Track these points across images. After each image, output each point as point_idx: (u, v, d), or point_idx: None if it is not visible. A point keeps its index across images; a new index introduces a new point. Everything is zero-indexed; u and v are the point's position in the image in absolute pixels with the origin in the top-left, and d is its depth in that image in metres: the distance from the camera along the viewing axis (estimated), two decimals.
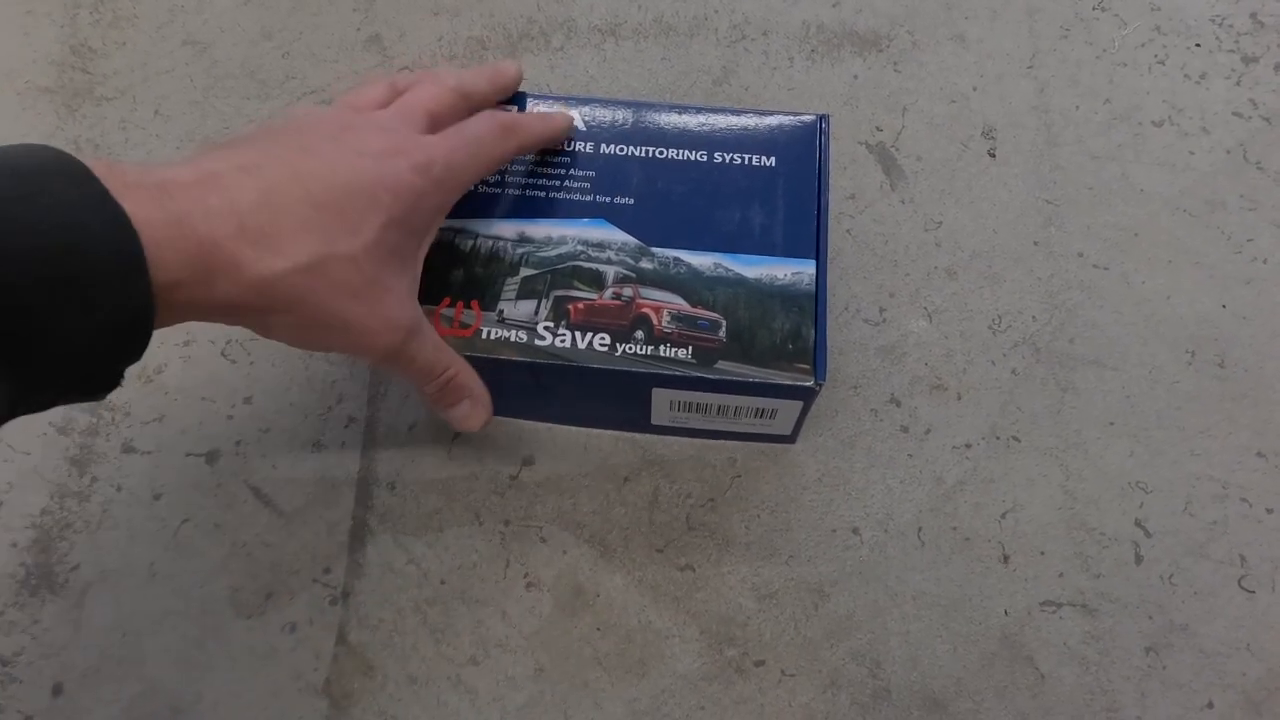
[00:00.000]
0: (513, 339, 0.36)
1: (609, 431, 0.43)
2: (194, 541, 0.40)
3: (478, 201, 0.39)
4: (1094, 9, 0.52)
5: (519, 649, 0.39)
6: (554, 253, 0.38)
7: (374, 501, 0.42)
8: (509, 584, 0.40)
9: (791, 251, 0.38)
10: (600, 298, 0.37)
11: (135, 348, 0.26)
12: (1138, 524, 0.41)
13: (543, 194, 0.40)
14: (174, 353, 0.44)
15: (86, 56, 0.52)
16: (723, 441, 0.43)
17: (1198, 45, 0.51)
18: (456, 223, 0.38)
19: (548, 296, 0.37)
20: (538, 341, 0.36)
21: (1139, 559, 0.40)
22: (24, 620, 0.39)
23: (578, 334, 0.36)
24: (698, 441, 0.43)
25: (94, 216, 0.24)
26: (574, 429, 0.43)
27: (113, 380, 0.26)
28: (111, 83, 0.51)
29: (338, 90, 0.52)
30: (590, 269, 0.38)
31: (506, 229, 0.39)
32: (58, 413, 0.43)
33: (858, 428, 0.43)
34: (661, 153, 0.40)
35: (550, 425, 0.43)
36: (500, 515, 0.41)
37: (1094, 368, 0.44)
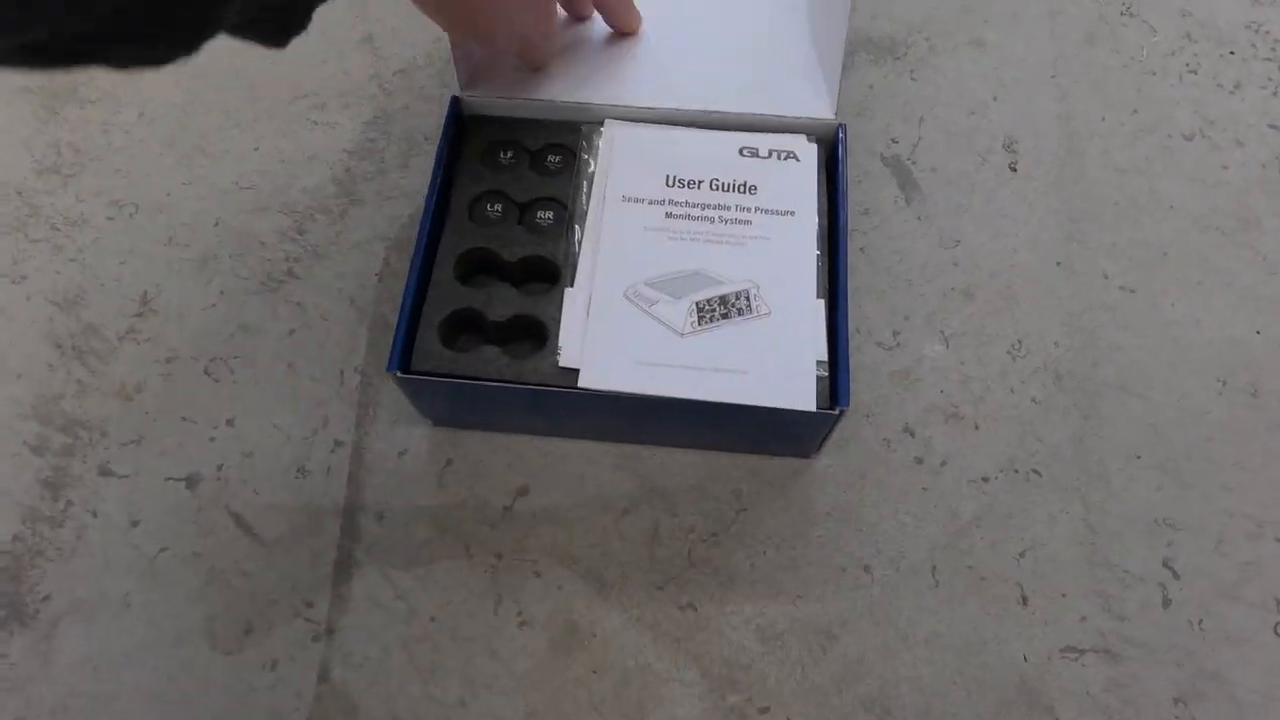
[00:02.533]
0: None
1: (608, 459, 0.41)
2: (172, 571, 0.39)
3: None
4: (1121, 14, 0.49)
5: (510, 690, 0.37)
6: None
7: (361, 531, 0.40)
8: (501, 621, 0.38)
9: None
10: None
11: None
12: (1165, 564, 0.38)
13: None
14: (154, 369, 0.42)
15: None
16: (728, 471, 0.41)
17: (1231, 53, 0.48)
18: None
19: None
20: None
21: (1167, 601, 0.38)
22: None
23: None
24: (701, 471, 0.41)
25: None
26: (571, 455, 0.41)
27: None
28: (95, 84, 0.49)
29: (329, 93, 0.50)
30: None
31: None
32: (31, 430, 0.41)
33: (870, 458, 0.41)
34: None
35: (546, 453, 0.41)
36: (492, 548, 0.39)
37: (1119, 395, 0.42)
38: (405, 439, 0.41)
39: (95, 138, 0.48)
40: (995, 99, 0.48)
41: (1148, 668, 0.37)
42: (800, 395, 0.34)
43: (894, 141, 0.48)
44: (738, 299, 0.36)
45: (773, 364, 0.35)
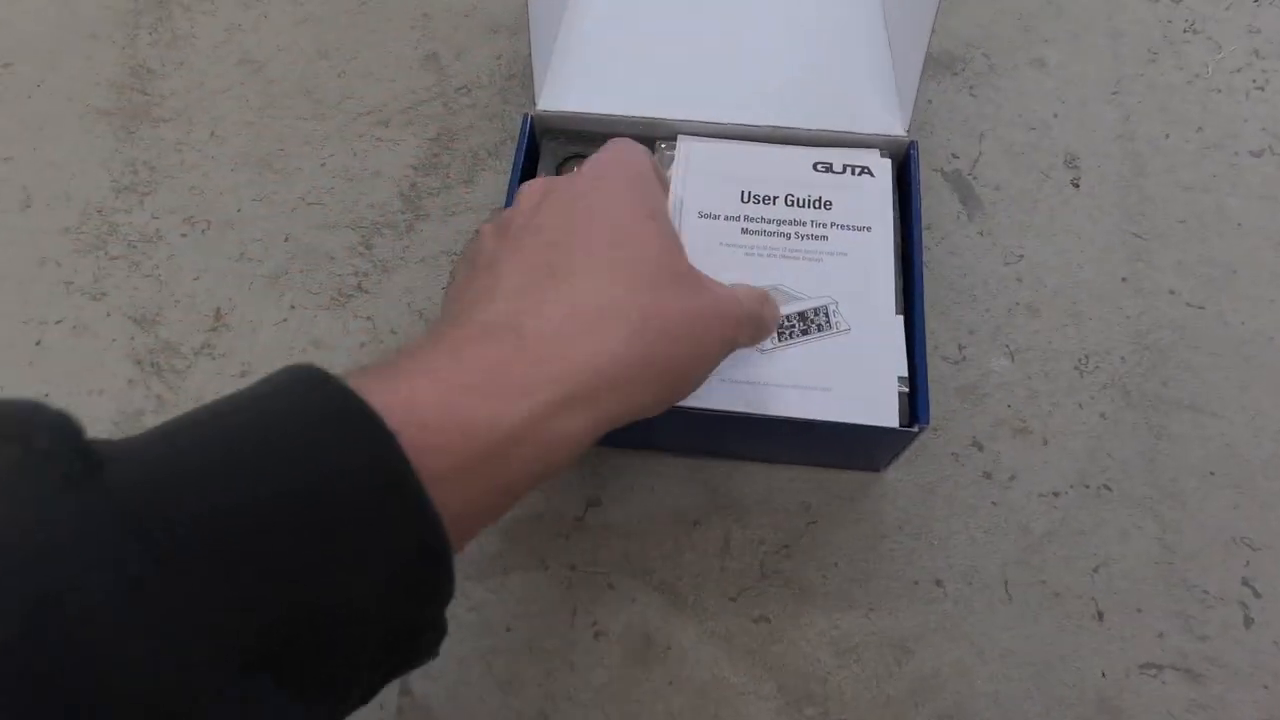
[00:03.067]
0: None
1: (676, 471, 0.41)
2: None
3: None
4: (1185, 31, 0.49)
5: (588, 703, 0.37)
6: None
7: None
8: (576, 633, 0.38)
9: None
10: None
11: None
12: (1245, 583, 0.38)
13: None
14: (229, 384, 0.43)
15: (145, 78, 0.51)
16: (795, 484, 0.41)
17: None
18: None
19: None
20: None
21: (1249, 621, 0.38)
22: None
23: None
24: (769, 483, 0.41)
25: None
26: (641, 467, 0.41)
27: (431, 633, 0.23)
28: (168, 104, 0.50)
29: (394, 111, 0.51)
30: None
31: None
32: None
33: (939, 472, 0.41)
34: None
35: (615, 465, 0.41)
36: (566, 559, 0.40)
37: (1190, 413, 0.42)
38: None
39: (169, 156, 0.49)
40: (1056, 116, 0.49)
41: (1232, 689, 0.37)
42: (883, 412, 0.35)
43: (954, 157, 0.49)
44: (816, 315, 0.37)
45: (854, 380, 0.35)
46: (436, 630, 0.23)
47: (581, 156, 0.43)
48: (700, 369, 0.29)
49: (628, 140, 0.32)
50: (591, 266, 0.26)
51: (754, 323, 0.31)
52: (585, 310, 0.25)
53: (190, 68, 0.51)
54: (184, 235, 0.47)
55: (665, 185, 0.33)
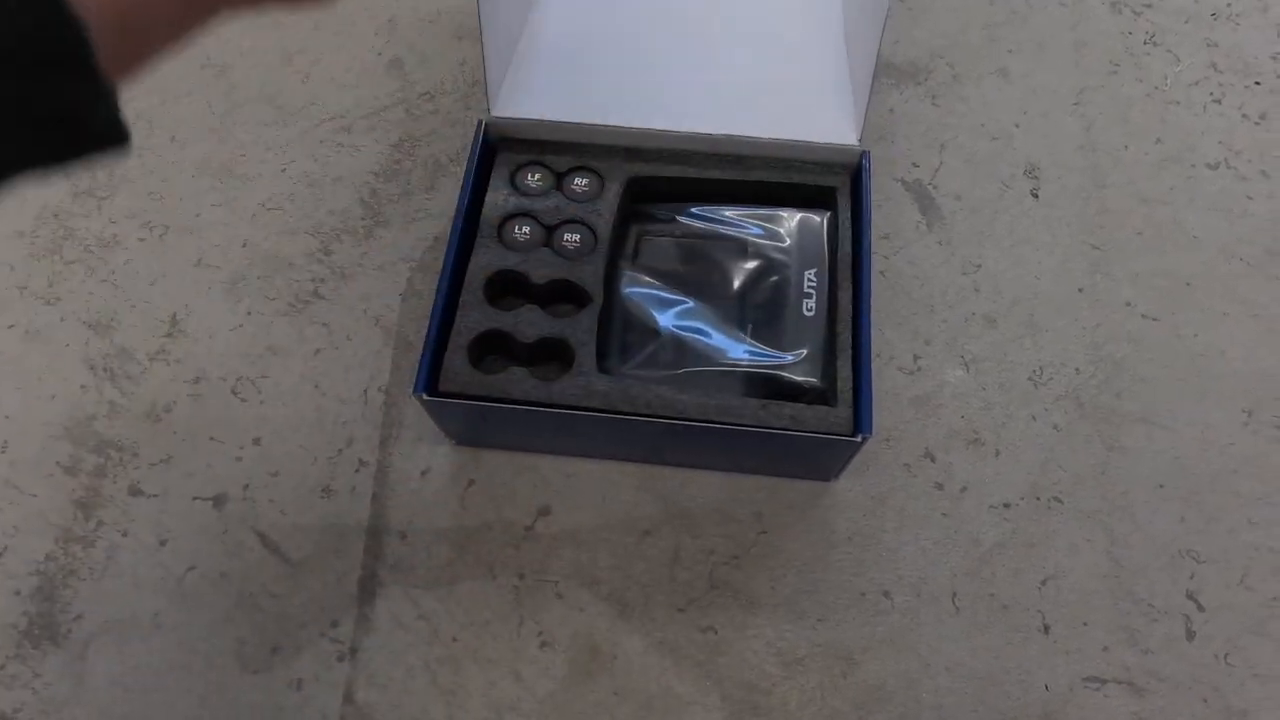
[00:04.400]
0: None
1: (629, 480, 0.41)
2: (200, 590, 0.39)
3: None
4: (1145, 44, 0.49)
5: (532, 714, 0.37)
6: None
7: (384, 551, 0.40)
8: (522, 643, 0.38)
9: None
10: None
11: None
12: (1189, 596, 0.38)
13: None
14: (183, 390, 0.43)
15: None
16: (748, 493, 0.41)
17: (1257, 84, 0.48)
18: None
19: None
20: None
21: (1191, 634, 0.38)
22: (25, 674, 0.37)
23: None
24: (722, 493, 0.41)
25: None
26: (593, 476, 0.41)
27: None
28: (129, 107, 0.50)
29: (357, 116, 0.51)
30: None
31: None
32: (65, 451, 0.42)
33: (890, 483, 0.41)
34: None
35: (568, 473, 0.41)
36: (514, 568, 0.40)
37: (1142, 425, 0.42)
38: (428, 458, 0.42)
39: (128, 160, 0.49)
40: (1018, 126, 0.49)
41: (1173, 702, 0.37)
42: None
43: (915, 166, 0.48)
44: None
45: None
46: (96, 118, 0.22)
47: (538, 164, 0.43)
48: None
49: None
50: None
51: None
52: None
53: (151, 71, 0.51)
54: (142, 240, 0.47)
55: None
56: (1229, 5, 0.51)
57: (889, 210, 0.47)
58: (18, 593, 0.39)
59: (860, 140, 0.41)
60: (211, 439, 0.42)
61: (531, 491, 0.41)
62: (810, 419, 0.36)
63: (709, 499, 0.41)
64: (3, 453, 0.42)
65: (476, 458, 0.42)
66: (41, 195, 0.48)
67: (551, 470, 0.42)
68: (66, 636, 0.38)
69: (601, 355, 0.39)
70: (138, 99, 0.51)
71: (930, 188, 0.48)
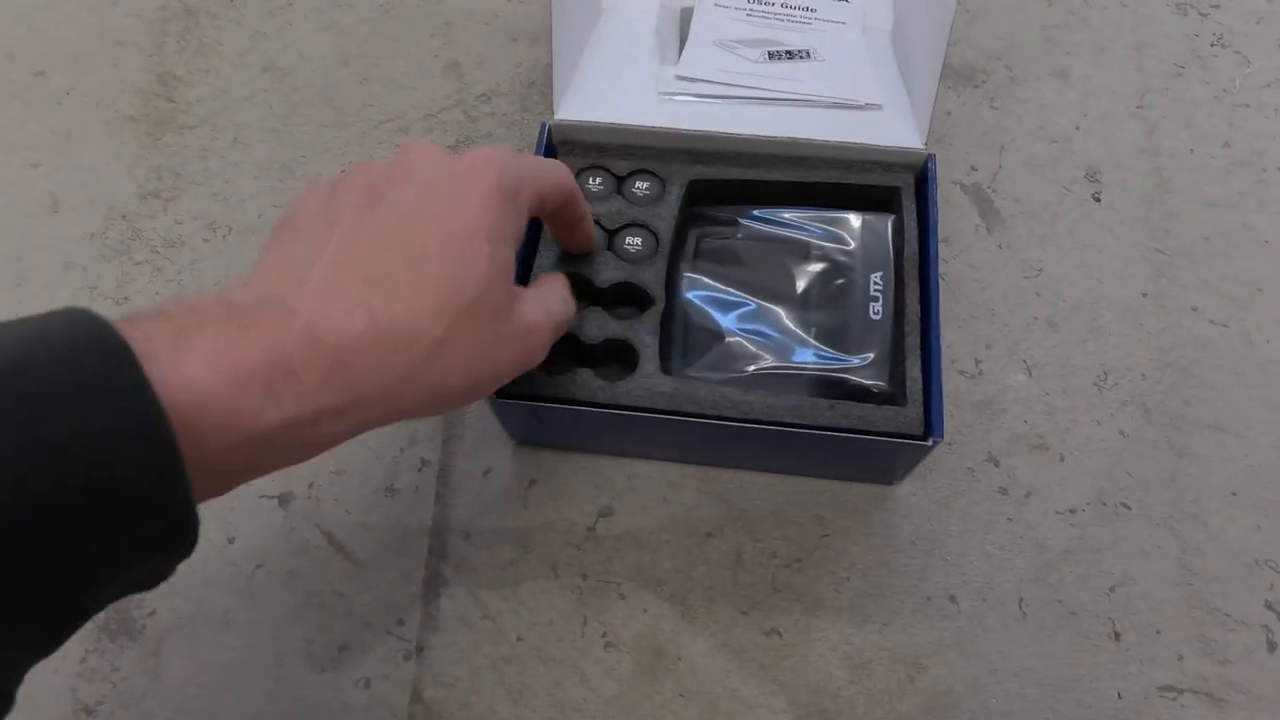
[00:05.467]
0: None
1: (690, 482, 0.41)
2: (268, 589, 0.39)
3: None
4: (1212, 45, 0.49)
5: (597, 714, 0.37)
6: None
7: (448, 550, 0.40)
8: (587, 643, 0.38)
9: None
10: None
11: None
12: (1269, 606, 0.38)
13: None
14: None
15: (171, 85, 0.52)
16: (809, 496, 0.41)
17: None
18: None
19: None
20: None
21: (1272, 646, 0.37)
22: (104, 667, 0.38)
23: None
24: (782, 496, 0.41)
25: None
26: (654, 477, 0.41)
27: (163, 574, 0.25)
28: (194, 111, 0.51)
29: (415, 118, 0.51)
30: None
31: None
32: None
33: (953, 487, 0.41)
34: None
35: (629, 474, 0.41)
36: (577, 569, 0.40)
37: (1213, 433, 0.41)
38: (489, 458, 0.42)
39: (193, 162, 0.50)
40: (1078, 129, 0.48)
41: (1255, 715, 0.36)
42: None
43: (973, 169, 0.48)
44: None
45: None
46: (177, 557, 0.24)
47: (599, 167, 0.43)
48: (481, 394, 0.30)
49: (506, 152, 0.30)
50: (407, 279, 0.26)
51: (556, 333, 0.32)
52: (382, 326, 0.25)
53: (216, 75, 0.52)
54: (206, 241, 0.48)
55: (527, 211, 0.31)
56: None
57: (948, 213, 0.47)
58: None
59: (926, 144, 0.40)
60: None
61: (593, 492, 0.41)
62: (880, 420, 0.36)
63: (769, 502, 0.41)
64: None
65: (537, 458, 0.42)
66: (109, 197, 0.48)
67: (612, 471, 0.42)
68: (141, 632, 0.39)
69: (664, 358, 0.39)
70: (203, 102, 0.51)
71: (989, 191, 0.48)
